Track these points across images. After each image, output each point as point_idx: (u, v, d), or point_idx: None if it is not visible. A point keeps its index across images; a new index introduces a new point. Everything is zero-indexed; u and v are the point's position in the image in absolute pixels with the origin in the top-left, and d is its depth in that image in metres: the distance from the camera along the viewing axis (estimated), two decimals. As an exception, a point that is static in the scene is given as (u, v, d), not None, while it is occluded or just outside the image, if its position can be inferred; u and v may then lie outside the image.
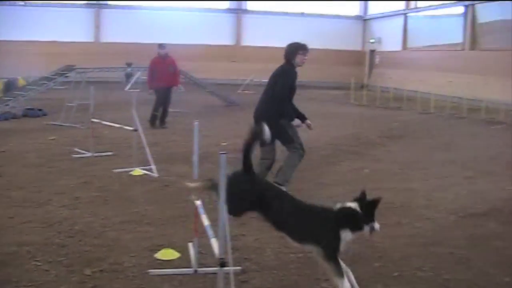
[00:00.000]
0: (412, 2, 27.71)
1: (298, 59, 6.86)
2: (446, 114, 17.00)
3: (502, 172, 8.72)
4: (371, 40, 30.93)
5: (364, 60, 31.55)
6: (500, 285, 4.38)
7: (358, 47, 31.84)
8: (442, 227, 5.83)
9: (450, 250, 5.12)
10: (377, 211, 6.29)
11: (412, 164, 9.30)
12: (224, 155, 3.37)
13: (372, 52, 30.90)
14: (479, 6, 22.27)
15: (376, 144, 11.24)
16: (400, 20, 28.26)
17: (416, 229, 5.77)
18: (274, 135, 5.94)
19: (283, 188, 6.20)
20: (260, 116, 6.51)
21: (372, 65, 30.74)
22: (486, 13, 22.01)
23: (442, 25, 25.15)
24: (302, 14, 30.88)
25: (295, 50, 6.85)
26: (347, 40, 30.94)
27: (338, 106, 19.72)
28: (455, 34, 23.54)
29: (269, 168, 6.90)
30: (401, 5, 28.23)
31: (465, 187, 7.69)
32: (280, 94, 6.71)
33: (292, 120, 6.86)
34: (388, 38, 29.30)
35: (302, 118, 7.03)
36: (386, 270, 4.64)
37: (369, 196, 3.96)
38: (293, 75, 6.83)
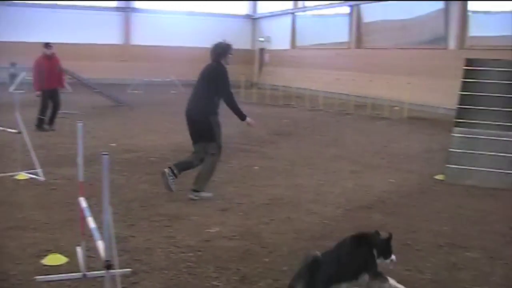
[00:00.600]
0: (300, 2, 28.64)
1: (228, 58, 6.99)
2: (334, 111, 17.77)
3: (386, 166, 9.31)
4: (261, 39, 31.55)
5: (253, 58, 32.13)
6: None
7: (247, 46, 32.38)
8: (329, 220, 6.11)
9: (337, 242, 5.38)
10: (268, 208, 6.55)
11: (301, 160, 9.64)
12: (107, 156, 3.32)
13: (262, 50, 31.54)
14: (364, 6, 23.51)
15: (266, 142, 11.53)
16: (288, 19, 29.13)
17: (305, 223, 6.00)
18: (204, 131, 6.67)
19: (207, 195, 6.77)
20: (196, 114, 6.74)
21: (261, 64, 31.38)
22: (370, 13, 23.30)
23: (329, 24, 26.24)
24: (191, 13, 30.94)
25: (226, 50, 6.97)
26: (236, 39, 30.88)
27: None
28: (341, 33, 24.66)
29: (201, 161, 6.92)
30: (290, 5, 29.10)
31: (351, 181, 8.11)
32: (229, 91, 6.85)
33: (244, 118, 7.06)
34: (277, 37, 30.08)
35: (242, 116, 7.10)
36: (275, 265, 4.78)
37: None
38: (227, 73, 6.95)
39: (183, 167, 6.92)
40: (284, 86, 24.24)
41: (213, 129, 6.77)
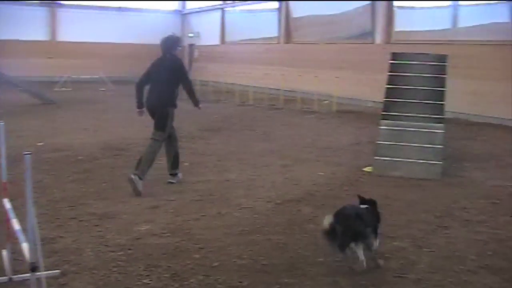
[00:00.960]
0: (229, -1, 28.75)
1: (177, 50, 7.69)
2: (265, 105, 17.94)
3: (315, 159, 9.51)
4: (190, 35, 31.35)
5: (183, 54, 31.88)
6: (314, 265, 4.78)
7: (177, 41, 32.13)
8: (260, 214, 6.18)
9: (268, 236, 5.46)
10: (199, 204, 6.56)
11: (232, 155, 9.70)
12: (29, 156, 3.23)
13: (191, 46, 31.36)
14: (293, 2, 23.80)
15: (195, 138, 11.51)
16: (218, 15, 29.09)
17: (235, 218, 6.05)
18: (160, 120, 7.38)
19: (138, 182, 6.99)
20: (159, 104, 7.39)
21: (191, 59, 31.20)
22: (299, 8, 23.63)
23: (258, 19, 26.41)
24: (120, 9, 30.34)
25: (176, 43, 7.70)
26: (166, 35, 30.95)
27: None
28: (271, 28, 24.86)
29: (173, 146, 7.69)
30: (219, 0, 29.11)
31: (282, 175, 8.23)
32: (190, 79, 7.74)
33: (198, 103, 7.89)
34: (207, 32, 30.00)
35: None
36: (206, 261, 4.81)
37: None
38: None
39: (176, 163, 7.70)
40: (214, 82, 24.16)
41: (167, 120, 7.43)
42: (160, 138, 7.44)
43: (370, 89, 17.70)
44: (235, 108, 17.59)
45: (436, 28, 17.71)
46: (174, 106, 7.51)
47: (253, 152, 10.04)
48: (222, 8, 28.91)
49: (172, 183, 7.59)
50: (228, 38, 28.77)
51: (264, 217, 6.09)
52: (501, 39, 14.99)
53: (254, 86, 20.59)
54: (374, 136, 9.43)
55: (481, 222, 6.04)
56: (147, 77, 7.56)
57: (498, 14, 15.73)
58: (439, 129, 8.56)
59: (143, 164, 7.20)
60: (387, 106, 9.21)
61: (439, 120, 8.71)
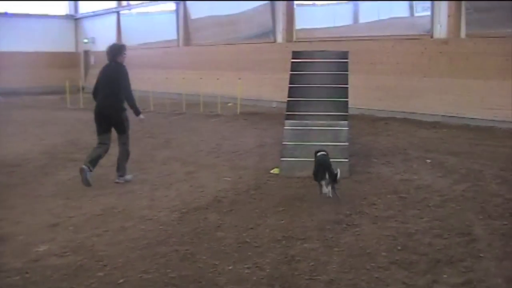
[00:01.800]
0: (124, 1, 28.10)
1: (123, 58, 8.25)
2: (166, 111, 17.70)
3: (221, 164, 9.46)
4: (85, 40, 30.49)
5: (78, 61, 30.94)
6: (223, 273, 4.70)
7: (71, 48, 31.14)
8: (165, 225, 6.04)
9: (175, 247, 5.33)
10: (100, 218, 6.31)
11: (133, 165, 9.41)
12: None
13: (87, 52, 30.47)
14: (190, 3, 23.71)
15: (95, 149, 11.13)
16: (113, 19, 28.41)
17: (140, 231, 5.87)
18: (118, 125, 8.12)
19: (128, 178, 8.23)
20: (110, 110, 8.03)
21: (87, 66, 30.30)
22: (197, 10, 23.55)
23: (156, 22, 26.06)
24: (6, 14, 28.89)
25: (121, 50, 8.28)
26: (59, 41, 30.04)
27: (55, 111, 19.04)
28: (169, 31, 24.62)
29: (106, 151, 8.22)
30: (113, 3, 28.41)
31: (186, 182, 8.12)
32: (130, 88, 8.20)
33: (139, 113, 8.42)
34: (102, 37, 29.13)
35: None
36: (110, 278, 4.63)
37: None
38: None
39: (95, 161, 8.05)
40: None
41: (124, 123, 8.19)
42: (126, 141, 8.28)
43: (274, 89, 17.95)
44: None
45: (338, 25, 18.23)
46: (124, 109, 8.17)
47: (156, 161, 9.86)
48: (117, 12, 28.26)
49: (117, 182, 8.20)
50: (125, 42, 28.15)
51: (170, 228, 5.95)
52: (401, 33, 15.71)
53: (155, 92, 20.27)
54: (280, 137, 9.52)
55: (390, 217, 6.21)
56: (96, 85, 8.27)
57: (397, 9, 16.49)
58: (343, 126, 8.77)
59: (121, 163, 8.26)
60: (290, 105, 9.32)
61: (344, 117, 8.93)
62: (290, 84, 9.64)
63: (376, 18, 17.21)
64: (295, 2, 19.29)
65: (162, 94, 20.79)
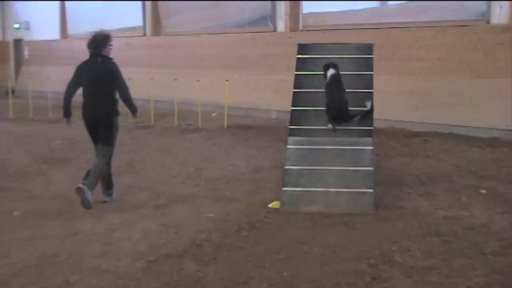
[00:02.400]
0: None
1: (108, 50, 9.15)
2: (128, 123, 17.73)
3: (202, 195, 9.48)
4: (15, 25, 30.58)
5: (7, 54, 31.01)
6: None
7: (-4, 36, 31.36)
8: (126, 279, 6.04)
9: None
10: (36, 270, 6.31)
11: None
12: None
13: (19, 42, 30.54)
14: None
15: (31, 174, 11.23)
16: (54, -2, 28.56)
17: (91, 287, 5.87)
18: (106, 133, 8.90)
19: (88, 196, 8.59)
20: (101, 115, 8.87)
21: (20, 61, 30.36)
22: None
23: (114, 3, 26.08)
24: None
25: (106, 40, 9.13)
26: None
27: (-30, 123, 19.04)
28: (132, 15, 24.77)
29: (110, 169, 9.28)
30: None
31: (155, 220, 8.13)
32: (126, 85, 9.11)
33: (136, 110, 9.45)
34: (40, 22, 29.34)
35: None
36: None
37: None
38: None
39: (108, 181, 9.22)
40: (54, 93, 23.58)
41: (113, 132, 8.97)
42: (108, 153, 9.04)
43: (273, 94, 18.04)
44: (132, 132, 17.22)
45: (359, 7, 18.23)
46: (117, 113, 9.02)
47: (116, 190, 9.83)
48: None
49: (106, 202, 9.07)
50: (73, 29, 28.26)
51: (133, 283, 5.96)
52: (445, 18, 15.72)
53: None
54: (281, 159, 9.53)
55: (431, 268, 6.21)
56: (76, 84, 9.02)
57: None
58: (367, 145, 8.80)
59: (92, 178, 8.71)
60: (295, 117, 9.36)
61: (367, 133, 8.96)
62: (295, 88, 9.69)
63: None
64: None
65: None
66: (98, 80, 8.90)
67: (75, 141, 14.86)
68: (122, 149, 13.68)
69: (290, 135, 9.13)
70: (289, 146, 8.98)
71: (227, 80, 17.70)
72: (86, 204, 8.49)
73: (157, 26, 24.24)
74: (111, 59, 9.12)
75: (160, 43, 23.61)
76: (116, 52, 26.28)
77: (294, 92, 9.66)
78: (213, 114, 18.36)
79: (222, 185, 10.17)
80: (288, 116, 9.64)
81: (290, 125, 9.31)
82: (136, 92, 21.12)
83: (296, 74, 9.91)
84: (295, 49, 10.46)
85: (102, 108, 8.92)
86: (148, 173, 11.17)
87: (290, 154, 8.89)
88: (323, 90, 9.30)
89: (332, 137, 8.96)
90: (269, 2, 19.94)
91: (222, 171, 11.21)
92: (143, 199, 9.35)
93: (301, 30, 18.89)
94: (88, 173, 8.81)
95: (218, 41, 21.02)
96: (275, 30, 19.79)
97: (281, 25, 19.64)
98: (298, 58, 10.17)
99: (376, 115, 9.34)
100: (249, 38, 20.02)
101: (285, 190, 8.52)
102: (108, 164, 9.16)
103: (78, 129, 16.87)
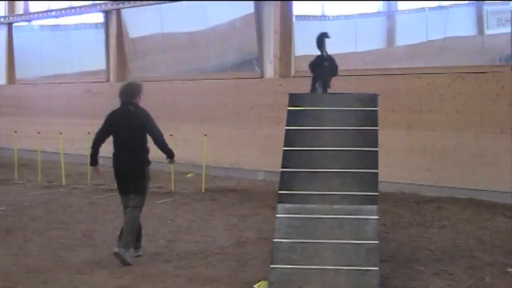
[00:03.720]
0: (21, 1, 28.28)
1: (139, 99, 10.55)
2: (86, 186, 17.71)
3: (174, 273, 9.43)
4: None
5: None
6: None
7: None
8: None
9: None
10: None
11: (30, 276, 9.39)
12: None
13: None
14: (127, 12, 23.93)
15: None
16: (1, 34, 28.58)
17: None
18: (138, 183, 10.20)
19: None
20: (135, 164, 10.21)
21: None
22: (138, 25, 23.77)
23: (72, 42, 26.10)
24: None
25: (139, 90, 10.60)
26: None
27: None
28: (94, 56, 24.82)
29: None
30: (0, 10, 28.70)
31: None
32: (161, 131, 10.44)
33: (173, 154, 10.75)
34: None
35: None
36: None
37: None
38: None
39: (138, 236, 10.46)
40: (1, 149, 23.64)
41: (146, 181, 10.34)
42: (140, 203, 10.27)
43: (260, 152, 18.07)
44: (38, 192, 17.23)
45: (362, 49, 18.39)
46: (149, 163, 10.36)
47: (68, 267, 9.83)
48: (8, 23, 28.37)
49: (140, 255, 10.37)
50: (22, 73, 28.26)
51: None
52: (463, 63, 15.80)
53: (72, 155, 20.37)
54: (269, 230, 9.49)
55: None
56: (106, 132, 10.51)
57: (456, 24, 16.67)
58: (371, 214, 8.76)
59: (127, 235, 9.98)
60: (286, 179, 9.33)
61: (372, 199, 8.93)
62: (285, 145, 9.69)
63: (422, 39, 17.28)
64: (294, 14, 19.37)
65: (83, 158, 20.83)
66: (130, 128, 10.23)
67: (22, 206, 14.81)
68: (78, 217, 13.66)
69: (280, 201, 9.09)
70: (278, 215, 8.93)
71: (205, 135, 17.72)
72: (125, 263, 9.83)
73: (123, 71, 24.24)
74: (143, 108, 10.45)
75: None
76: (73, 101, 26.46)
77: (285, 150, 9.66)
78: (189, 175, 18.35)
79: (199, 261, 10.12)
80: (277, 178, 9.62)
81: (280, 189, 9.26)
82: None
83: (287, 129, 9.94)
84: (286, 98, 10.49)
85: (134, 158, 10.21)
86: (109, 246, 11.07)
87: (280, 225, 8.83)
88: (319, 148, 9.34)
89: (329, 204, 8.94)
90: (255, 42, 19.93)
91: (199, 244, 11.17)
92: (102, 278, 9.28)
93: (293, 77, 18.83)
94: (121, 232, 10.13)
95: (195, 88, 20.95)
96: (262, 76, 19.73)
97: (270, 70, 19.51)
98: (289, 110, 10.19)
99: (381, 177, 9.35)
100: (232, 86, 19.98)
101: (274, 268, 8.43)
102: (136, 215, 10.27)
103: (30, 193, 16.93)
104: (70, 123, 23.61)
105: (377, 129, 9.75)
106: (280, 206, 9.02)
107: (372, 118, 9.89)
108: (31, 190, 17.51)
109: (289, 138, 9.82)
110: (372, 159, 9.37)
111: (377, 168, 9.29)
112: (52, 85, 26.17)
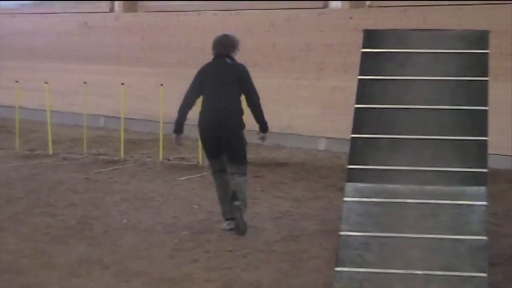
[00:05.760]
0: None
1: (235, 55, 11.77)
2: (85, 157, 17.81)
3: (204, 277, 9.46)
4: None
5: None
6: None
7: None
8: None
9: None
10: None
11: (11, 272, 9.49)
12: None
13: None
14: None
15: None
16: None
17: None
18: (234, 149, 11.44)
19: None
20: (232, 126, 11.43)
21: None
22: None
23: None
24: None
25: (237, 43, 11.84)
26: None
27: None
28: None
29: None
30: None
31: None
32: (257, 92, 11.71)
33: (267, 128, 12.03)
34: None
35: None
36: None
37: None
38: None
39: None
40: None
41: (245, 147, 11.64)
42: (245, 171, 11.66)
43: (321, 111, 18.09)
44: (15, 164, 17.48)
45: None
46: (245, 126, 11.66)
47: (57, 267, 9.91)
48: None
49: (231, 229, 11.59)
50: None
51: None
52: None
53: (62, 113, 20.50)
54: (333, 220, 9.48)
55: None
56: (198, 92, 11.73)
57: None
58: (478, 199, 8.71)
59: (243, 194, 11.45)
60: (358, 150, 9.31)
61: (479, 178, 8.89)
62: (357, 102, 9.66)
63: None
64: None
65: (73, 118, 20.97)
66: (225, 85, 11.49)
67: (1, 184, 14.97)
68: (71, 199, 13.75)
69: (350, 179, 9.06)
70: (347, 199, 8.91)
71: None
72: (241, 228, 11.22)
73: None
74: (241, 64, 11.68)
75: (136, 25, 23.69)
76: (64, 38, 26.66)
77: (357, 108, 9.63)
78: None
79: (236, 261, 10.17)
80: (345, 148, 9.61)
81: (350, 163, 9.26)
82: (96, 103, 21.48)
83: (360, 79, 9.89)
84: (359, 37, 10.45)
85: (231, 119, 11.45)
86: (113, 239, 11.18)
87: (349, 212, 8.81)
88: (405, 106, 9.29)
89: (419, 184, 8.89)
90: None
91: (236, 238, 11.25)
92: (103, 282, 9.36)
93: (369, 6, 18.74)
94: (233, 196, 11.40)
95: (231, 22, 20.89)
96: (326, 6, 19.67)
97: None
98: (363, 52, 10.15)
99: (492, 148, 9.27)
100: (283, 19, 19.98)
101: (340, 272, 8.43)
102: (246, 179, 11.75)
103: (7, 164, 17.14)
104: (59, 69, 23.77)
105: (487, 81, 9.67)
106: (349, 186, 8.98)
107: (480, 65, 9.80)
108: (6, 161, 17.74)
109: (363, 92, 9.76)
110: (479, 123, 9.30)
111: (486, 135, 9.22)
112: (35, 16, 26.34)
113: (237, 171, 11.43)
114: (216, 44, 11.75)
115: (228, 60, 11.60)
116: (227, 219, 11.63)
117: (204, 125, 11.47)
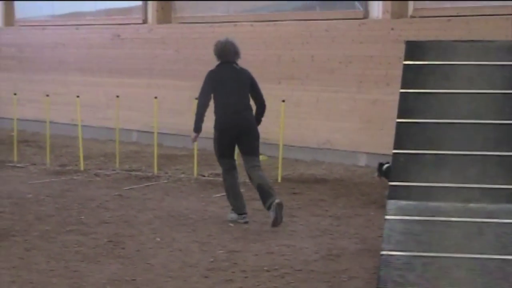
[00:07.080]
0: None
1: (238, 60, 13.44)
2: (116, 173, 17.80)
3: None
4: None
5: None
6: None
7: None
8: None
9: None
10: None
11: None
12: None
13: None
14: None
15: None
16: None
17: None
18: (252, 142, 13.13)
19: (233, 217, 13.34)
20: (250, 124, 13.14)
21: None
22: None
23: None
24: None
25: (239, 51, 13.30)
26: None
27: None
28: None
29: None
30: None
31: None
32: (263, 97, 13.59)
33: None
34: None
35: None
36: None
37: None
38: None
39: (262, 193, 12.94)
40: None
41: (258, 141, 13.30)
42: (260, 163, 13.37)
43: (362, 125, 17.99)
44: (46, 180, 17.50)
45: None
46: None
47: (90, 285, 9.89)
48: None
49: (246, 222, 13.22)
50: (24, 11, 28.58)
51: None
52: None
53: (93, 128, 20.54)
54: (374, 238, 9.42)
55: None
56: (211, 93, 13.16)
57: None
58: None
59: (271, 188, 12.87)
60: (401, 165, 9.28)
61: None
62: (399, 117, 9.62)
63: None
64: None
65: (105, 133, 21.01)
66: (238, 88, 13.07)
67: (24, 200, 14.97)
68: (103, 216, 13.76)
69: (391, 197, 9.04)
70: (388, 217, 8.88)
71: (283, 101, 17.69)
72: (278, 222, 12.42)
73: (165, 8, 24.41)
74: (244, 68, 13.36)
75: (170, 37, 23.75)
76: (96, 51, 26.74)
77: (399, 123, 9.59)
78: (262, 157, 18.39)
79: (273, 281, 10.13)
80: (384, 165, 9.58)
81: (391, 179, 9.22)
82: (128, 118, 21.51)
83: (401, 93, 9.85)
84: (400, 49, 10.41)
85: (247, 117, 13.11)
86: (146, 258, 11.17)
87: (391, 231, 8.78)
88: (451, 121, 9.23)
89: (464, 201, 8.83)
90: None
91: (273, 257, 11.20)
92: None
93: (412, 17, 18.72)
94: (264, 192, 12.76)
95: (268, 33, 21.00)
96: (366, 17, 19.68)
97: (378, 7, 19.49)
98: (405, 65, 10.11)
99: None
100: (322, 30, 19.97)
101: (382, 292, 8.43)
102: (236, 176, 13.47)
103: (36, 180, 17.17)
104: (91, 82, 23.84)
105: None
106: (391, 203, 8.95)
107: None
108: (37, 177, 17.78)
109: (405, 106, 9.73)
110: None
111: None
112: (66, 28, 26.44)
113: (256, 164, 13.11)
114: (224, 51, 13.19)
115: (237, 66, 13.20)
116: (240, 214, 13.14)
117: (226, 128, 12.99)
